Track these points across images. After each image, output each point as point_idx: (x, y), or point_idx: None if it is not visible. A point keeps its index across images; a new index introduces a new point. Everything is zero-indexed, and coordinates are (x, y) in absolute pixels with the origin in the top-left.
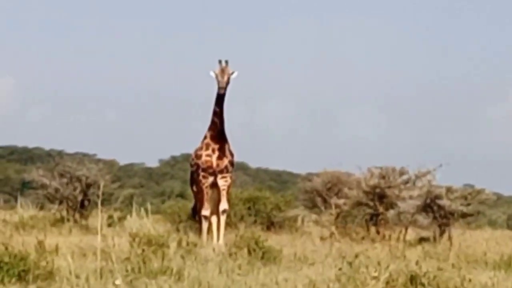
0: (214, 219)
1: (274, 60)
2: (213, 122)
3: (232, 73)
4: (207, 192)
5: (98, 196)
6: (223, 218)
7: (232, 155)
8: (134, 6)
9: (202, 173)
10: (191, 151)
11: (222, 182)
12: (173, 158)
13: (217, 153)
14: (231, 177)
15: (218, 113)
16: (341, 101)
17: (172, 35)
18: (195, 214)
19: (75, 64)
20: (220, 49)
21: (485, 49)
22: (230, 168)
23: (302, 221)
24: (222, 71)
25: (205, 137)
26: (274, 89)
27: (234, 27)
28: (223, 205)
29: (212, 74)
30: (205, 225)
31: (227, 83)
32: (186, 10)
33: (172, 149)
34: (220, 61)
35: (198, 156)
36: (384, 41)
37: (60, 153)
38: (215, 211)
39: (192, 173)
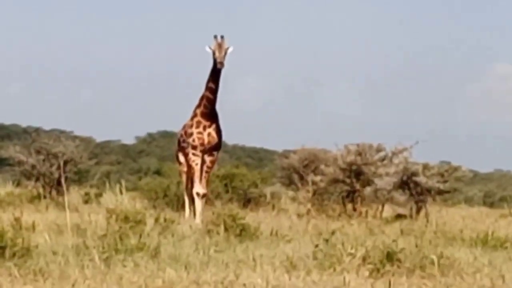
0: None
1: (251, 36)
2: (207, 98)
3: (228, 48)
4: (199, 169)
5: (74, 173)
6: (202, 201)
7: (220, 132)
8: None
9: (192, 151)
10: (168, 128)
11: (209, 160)
12: (150, 135)
13: (208, 130)
14: (217, 156)
15: (213, 90)
16: (319, 77)
17: (144, 13)
18: None
19: (52, 42)
20: (194, 25)
21: (464, 27)
22: (218, 146)
23: (273, 197)
24: (220, 46)
25: (195, 115)
26: (251, 65)
27: (208, 1)
28: (202, 189)
29: (208, 49)
30: (198, 202)
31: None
32: None
33: (148, 126)
34: (215, 36)
35: (189, 134)
36: (363, 18)
37: (37, 130)
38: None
39: (180, 148)
